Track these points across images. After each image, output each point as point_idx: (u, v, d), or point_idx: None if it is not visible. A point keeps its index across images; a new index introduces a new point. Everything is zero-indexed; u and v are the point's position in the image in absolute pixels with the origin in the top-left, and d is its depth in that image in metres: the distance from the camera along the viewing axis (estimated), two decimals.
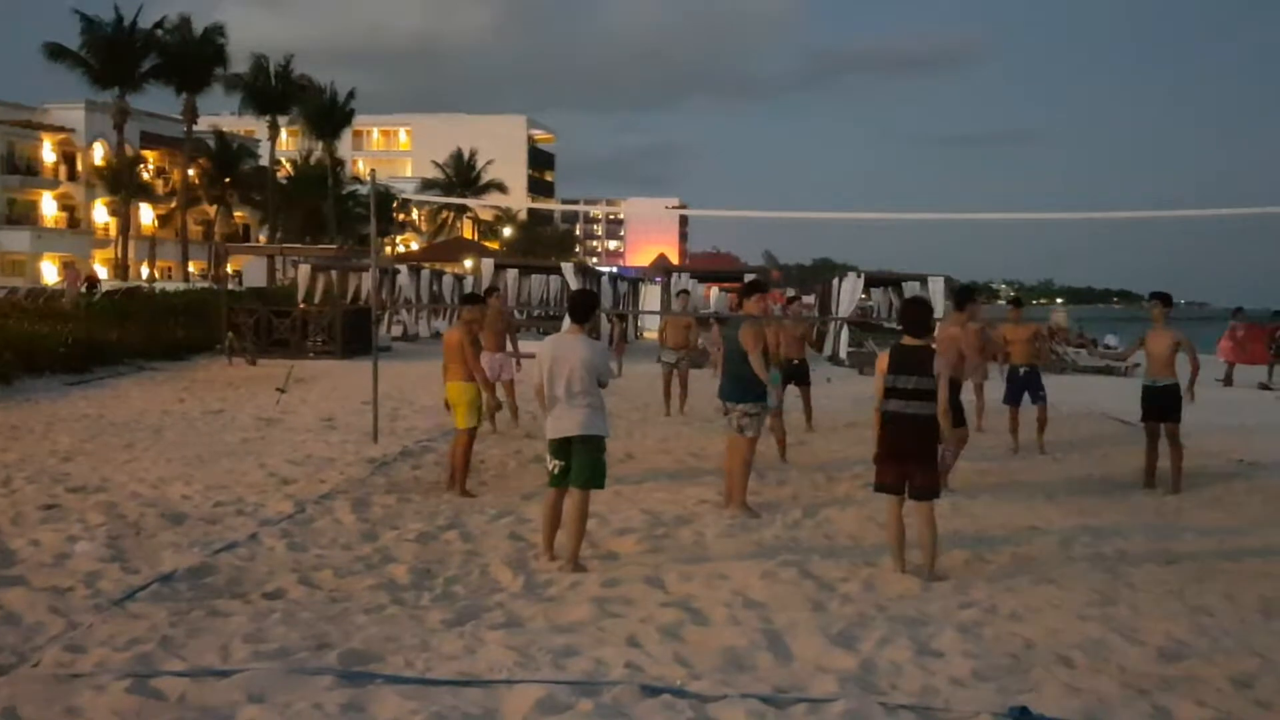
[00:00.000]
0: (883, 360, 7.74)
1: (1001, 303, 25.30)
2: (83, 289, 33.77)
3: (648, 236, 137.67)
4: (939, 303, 28.82)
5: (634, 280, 46.20)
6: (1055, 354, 32.54)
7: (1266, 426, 15.95)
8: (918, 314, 7.91)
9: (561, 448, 7.75)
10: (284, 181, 74.98)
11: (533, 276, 41.70)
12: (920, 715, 5.13)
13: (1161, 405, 11.46)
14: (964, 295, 12.78)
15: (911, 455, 7.62)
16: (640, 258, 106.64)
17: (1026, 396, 13.98)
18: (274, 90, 70.17)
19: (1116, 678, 5.69)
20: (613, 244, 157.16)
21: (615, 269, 72.35)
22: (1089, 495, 10.83)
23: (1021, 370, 14.14)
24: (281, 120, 72.38)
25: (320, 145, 75.64)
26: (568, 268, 36.92)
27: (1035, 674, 5.71)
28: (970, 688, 5.51)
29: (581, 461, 7.69)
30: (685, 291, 21.13)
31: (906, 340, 7.75)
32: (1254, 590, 7.45)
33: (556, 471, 7.80)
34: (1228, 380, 24.71)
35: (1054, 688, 5.50)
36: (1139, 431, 12.00)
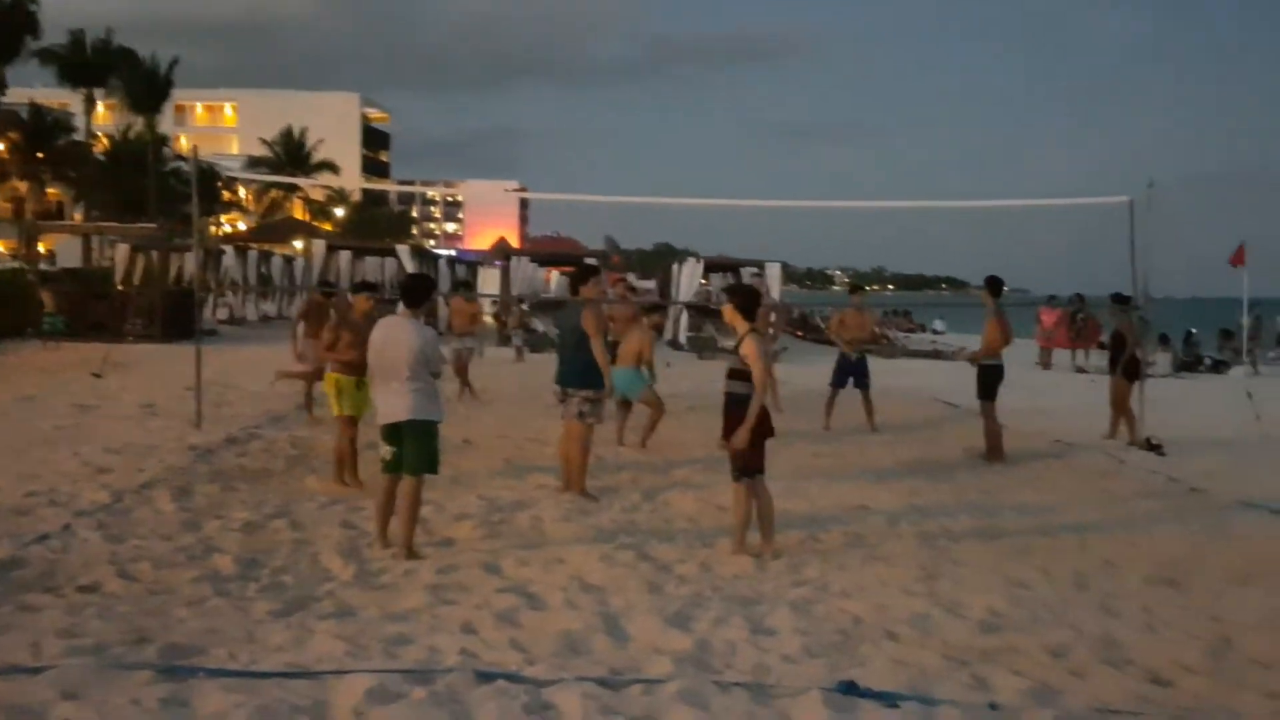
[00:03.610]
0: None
1: (837, 289, 25.92)
2: None
3: (487, 219, 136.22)
4: (776, 288, 29.47)
5: (473, 264, 45.76)
6: (886, 339, 33.57)
7: (1079, 408, 16.67)
8: (753, 300, 8.05)
9: (393, 433, 7.62)
10: (101, 157, 71.66)
11: (367, 259, 40.97)
12: (752, 692, 5.19)
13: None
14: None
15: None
16: (480, 241, 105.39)
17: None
18: (91, 62, 67.00)
19: (939, 650, 5.88)
20: (451, 226, 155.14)
21: (454, 252, 71.44)
22: (917, 476, 11.17)
23: (853, 356, 14.51)
24: (98, 93, 69.12)
25: (140, 120, 72.50)
26: (403, 250, 36.30)
27: (863, 649, 5.86)
28: (801, 664, 5.61)
29: (413, 447, 7.56)
30: (468, 284, 21.53)
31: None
32: (1068, 564, 7.79)
33: (389, 458, 7.67)
34: (1045, 364, 25.84)
35: (881, 661, 5.65)
36: (965, 414, 12.47)
